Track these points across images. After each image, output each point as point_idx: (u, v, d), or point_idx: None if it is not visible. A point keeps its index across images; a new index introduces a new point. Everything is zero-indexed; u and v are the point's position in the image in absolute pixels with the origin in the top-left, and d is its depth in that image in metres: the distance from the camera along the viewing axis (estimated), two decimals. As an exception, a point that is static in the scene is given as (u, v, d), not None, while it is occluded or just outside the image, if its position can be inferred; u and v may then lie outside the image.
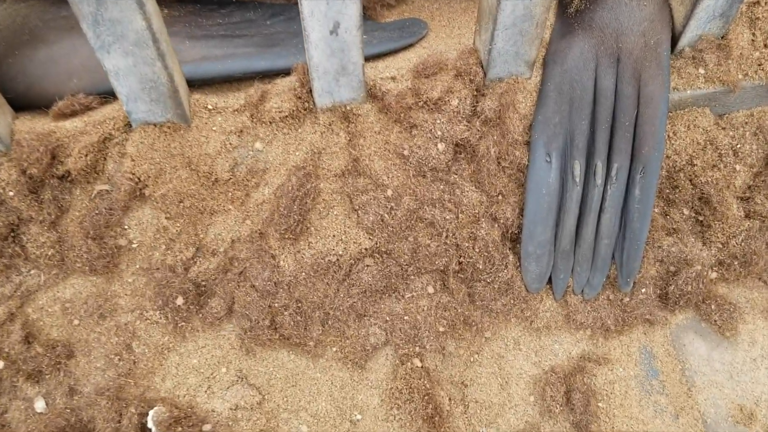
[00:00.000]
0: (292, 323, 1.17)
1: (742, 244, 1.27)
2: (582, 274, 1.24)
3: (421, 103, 1.21)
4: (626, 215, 1.22)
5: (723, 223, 1.27)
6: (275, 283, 1.18)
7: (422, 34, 1.36)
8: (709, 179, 1.25)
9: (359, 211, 1.19)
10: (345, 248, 1.19)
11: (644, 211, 1.21)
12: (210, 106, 1.23)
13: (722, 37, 1.23)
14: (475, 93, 1.22)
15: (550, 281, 1.26)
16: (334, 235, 1.19)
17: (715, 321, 1.25)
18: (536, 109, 1.21)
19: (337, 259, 1.19)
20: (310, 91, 1.18)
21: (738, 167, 1.28)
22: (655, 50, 1.18)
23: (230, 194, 1.21)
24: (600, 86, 1.18)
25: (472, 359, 1.20)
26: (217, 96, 1.24)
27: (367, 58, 1.29)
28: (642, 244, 1.22)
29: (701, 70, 1.24)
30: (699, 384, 1.21)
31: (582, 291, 1.25)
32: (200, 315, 1.19)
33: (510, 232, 1.23)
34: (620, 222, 1.23)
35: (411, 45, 1.36)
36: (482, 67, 1.23)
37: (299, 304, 1.18)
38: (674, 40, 1.23)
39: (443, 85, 1.20)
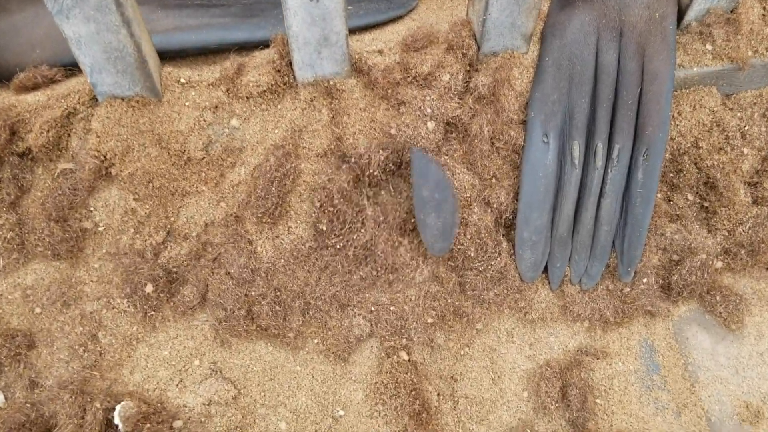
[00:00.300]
0: (270, 313, 1.10)
1: (750, 231, 1.21)
2: (580, 262, 1.17)
3: (410, 78, 1.14)
4: (628, 200, 1.15)
5: (729, 209, 1.21)
6: (252, 270, 1.11)
7: (412, 6, 1.30)
8: (715, 163, 1.20)
9: (343, 194, 1.11)
10: (327, 233, 1.11)
11: (647, 195, 1.14)
12: (183, 80, 1.16)
13: (731, 11, 1.17)
14: (468, 68, 1.15)
15: (546, 270, 1.18)
16: (315, 219, 1.11)
17: (720, 313, 1.19)
18: (533, 85, 1.14)
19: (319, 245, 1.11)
20: (290, 64, 1.11)
21: (746, 150, 1.21)
22: (660, 24, 1.11)
23: (204, 174, 1.14)
24: (601, 61, 1.11)
25: (462, 352, 1.14)
26: (191, 69, 1.18)
27: (353, 31, 1.23)
28: (644, 231, 1.16)
29: (708, 46, 1.17)
30: (703, 379, 1.15)
31: (580, 281, 1.18)
32: (171, 304, 1.12)
33: (504, 217, 1.17)
34: (621, 207, 1.17)
35: (400, 17, 1.29)
36: (476, 40, 1.15)
37: (278, 293, 1.11)
38: (680, 13, 1.17)
39: (434, 60, 1.13)
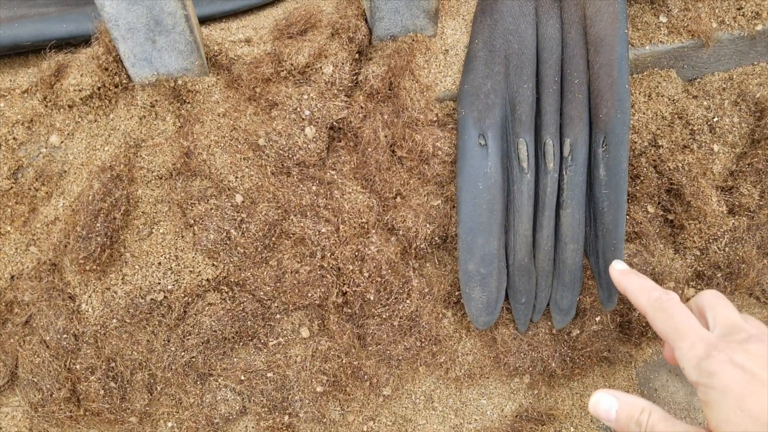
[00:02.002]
0: (102, 392, 0.85)
1: (727, 248, 1.03)
2: (541, 294, 0.94)
3: (284, 72, 0.91)
4: (594, 206, 0.93)
5: (700, 222, 1.04)
6: (75, 335, 0.86)
7: (295, -15, 1.05)
8: (680, 165, 1.02)
9: (196, 227, 0.88)
10: (176, 281, 0.87)
11: (615, 197, 0.94)
12: None
13: None
14: (357, 56, 0.92)
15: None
16: (159, 263, 0.87)
17: None
18: (462, 76, 0.91)
19: (165, 297, 0.87)
20: (121, 60, 0.85)
21: (716, 147, 1.02)
22: (602, -25, 0.89)
23: (9, 210, 0.88)
24: (542, 35, 0.89)
25: (366, 428, 0.89)
26: (2, 74, 0.93)
27: (220, 17, 1.00)
28: (621, 243, 0.95)
29: (663, 18, 0.98)
30: (677, 443, 0.91)
31: (541, 318, 0.95)
32: None
33: (414, 246, 0.93)
34: (587, 217, 0.98)
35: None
36: (366, 20, 0.91)
37: (112, 365, 0.86)
38: (626, -23, 0.94)
39: (312, 47, 0.90)
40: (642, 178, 1.02)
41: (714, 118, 1.04)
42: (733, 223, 1.04)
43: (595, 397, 0.61)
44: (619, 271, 0.77)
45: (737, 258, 1.03)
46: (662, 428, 0.56)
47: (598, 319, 0.97)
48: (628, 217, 1.02)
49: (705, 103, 1.04)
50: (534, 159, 0.94)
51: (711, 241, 1.04)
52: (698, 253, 1.05)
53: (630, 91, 0.96)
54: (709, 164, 1.04)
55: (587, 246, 0.99)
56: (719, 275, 1.04)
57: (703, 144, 1.03)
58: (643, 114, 1.00)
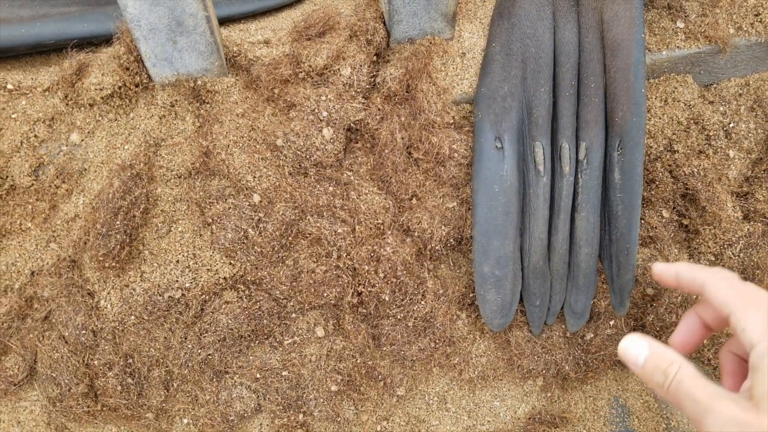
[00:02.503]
0: (119, 388, 0.86)
1: (741, 254, 1.04)
2: (555, 297, 0.94)
3: (303, 74, 0.92)
4: (608, 210, 0.93)
5: (715, 227, 1.04)
6: (93, 331, 0.88)
7: (313, -14, 1.06)
8: (695, 170, 1.02)
9: (214, 226, 0.89)
10: (194, 279, 0.88)
11: (630, 201, 0.94)
12: (11, 86, 0.95)
13: None
14: (375, 59, 0.93)
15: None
16: (177, 261, 0.88)
17: (709, 360, 1.00)
18: (479, 79, 0.92)
19: (183, 295, 0.88)
20: (142, 59, 0.87)
21: (732, 153, 1.02)
22: (620, -19, 0.90)
23: (30, 207, 0.90)
24: (559, 39, 0.90)
25: (379, 428, 0.89)
26: (24, 72, 0.94)
27: (239, 18, 1.02)
28: (634, 248, 0.95)
29: (680, 24, 0.98)
30: (690, 449, 0.92)
31: (555, 321, 0.95)
32: None
33: (429, 248, 0.94)
34: (602, 221, 0.98)
35: (299, 1, 1.06)
36: (384, 23, 0.92)
37: (129, 361, 0.88)
38: (643, -18, 0.95)
39: (331, 49, 0.90)
40: (657, 182, 1.02)
41: (730, 123, 1.04)
42: (748, 229, 1.04)
43: (626, 341, 0.59)
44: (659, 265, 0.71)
45: (752, 264, 1.03)
46: (689, 385, 0.54)
47: (612, 322, 0.98)
48: (642, 221, 1.02)
49: (721, 108, 1.04)
50: (550, 162, 0.95)
51: (726, 246, 1.04)
52: (713, 258, 1.05)
53: (646, 95, 0.96)
54: (725, 170, 1.04)
55: (601, 250, 0.99)
56: (734, 281, 1.04)
57: (719, 149, 1.04)
58: (659, 119, 1.01)
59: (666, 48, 0.99)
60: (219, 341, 0.90)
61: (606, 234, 0.97)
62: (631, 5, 0.91)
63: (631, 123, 0.91)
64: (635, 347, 0.59)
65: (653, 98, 1.01)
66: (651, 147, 1.01)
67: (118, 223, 0.86)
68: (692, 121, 1.03)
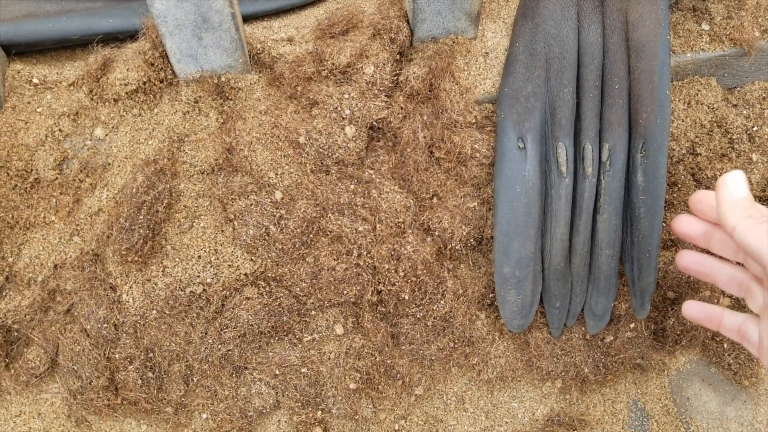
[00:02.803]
0: (139, 382, 0.87)
1: None
2: (575, 299, 0.94)
3: (326, 71, 0.92)
4: (631, 212, 0.92)
5: None
6: (115, 325, 0.88)
7: (336, -15, 1.07)
8: (718, 173, 1.02)
9: (236, 222, 0.89)
10: (216, 275, 0.88)
11: (653, 203, 0.93)
12: (36, 80, 0.95)
13: None
14: (398, 57, 0.93)
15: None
16: (199, 257, 0.89)
17: (730, 365, 0.99)
18: (502, 79, 0.92)
19: (204, 291, 0.88)
20: (167, 55, 0.87)
21: (755, 157, 1.01)
22: (646, -19, 0.89)
23: (54, 201, 0.90)
24: (584, 39, 0.89)
25: (397, 426, 0.90)
26: (49, 66, 0.95)
27: (263, 16, 1.03)
28: (655, 251, 0.95)
29: (705, 26, 0.97)
30: (710, 454, 0.92)
31: (575, 323, 0.95)
32: (11, 371, 0.91)
33: (449, 247, 0.94)
34: (624, 223, 0.97)
35: (321, -1, 1.06)
36: (408, 22, 0.92)
37: (150, 355, 0.88)
38: (669, -16, 0.94)
39: (354, 48, 0.91)
40: (679, 185, 1.02)
41: (753, 127, 1.04)
42: (771, 234, 1.03)
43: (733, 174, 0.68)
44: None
45: (774, 269, 1.02)
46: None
47: (632, 325, 0.97)
48: (665, 224, 1.02)
49: (744, 112, 1.04)
50: (573, 163, 0.95)
51: (748, 250, 1.03)
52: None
53: (670, 97, 0.96)
54: (747, 173, 1.03)
55: (623, 252, 0.99)
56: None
57: (742, 153, 1.03)
58: (682, 121, 1.00)
59: (690, 50, 0.99)
60: (239, 337, 0.90)
61: (628, 236, 0.97)
62: (657, 7, 0.90)
63: (655, 125, 0.91)
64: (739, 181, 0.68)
65: (677, 101, 1.01)
66: (674, 149, 1.00)
67: (141, 217, 0.87)
68: (715, 124, 1.02)
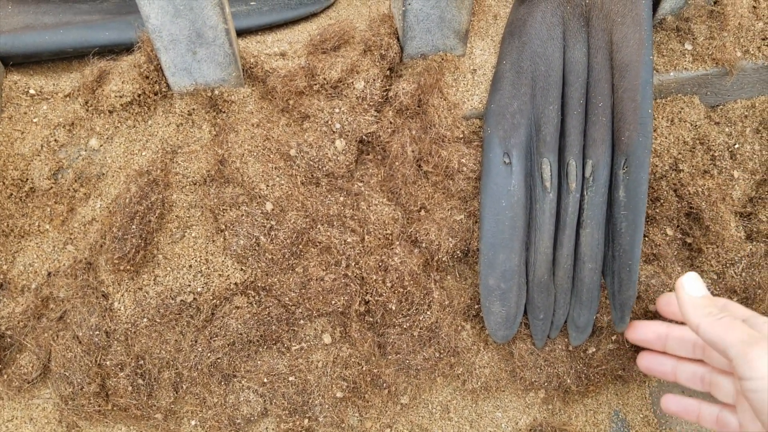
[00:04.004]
0: (130, 388, 0.88)
1: (743, 273, 1.03)
2: (559, 311, 0.95)
3: (317, 86, 0.94)
4: (612, 227, 0.95)
5: (718, 246, 1.05)
6: (106, 332, 0.90)
7: (329, 1, 1.08)
8: (700, 189, 1.03)
9: (227, 233, 0.91)
10: (206, 284, 0.90)
11: (634, 218, 0.96)
12: (33, 91, 0.97)
13: (715, 2, 1.02)
14: (388, 73, 0.96)
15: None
16: (190, 266, 0.90)
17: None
18: (489, 96, 0.94)
19: (195, 299, 0.90)
20: (161, 68, 0.89)
21: (736, 174, 1.03)
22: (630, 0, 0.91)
23: (49, 209, 0.92)
24: (569, 58, 0.92)
25: (382, 434, 0.91)
26: (46, 77, 0.97)
27: (256, 30, 1.04)
28: (636, 265, 0.97)
29: (688, 46, 0.99)
30: (689, 465, 0.94)
31: (558, 335, 0.97)
32: (4, 377, 0.90)
33: (436, 259, 0.95)
34: (606, 237, 0.99)
35: (314, 14, 1.09)
36: (398, 39, 0.94)
37: (140, 362, 0.90)
38: (654, 5, 0.97)
39: (345, 63, 0.93)
40: (662, 201, 1.04)
41: (735, 144, 1.06)
42: (751, 249, 1.06)
43: (689, 276, 0.81)
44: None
45: (753, 283, 1.05)
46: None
47: (614, 337, 0.99)
48: (647, 238, 1.04)
49: (727, 129, 1.06)
50: (557, 179, 0.97)
51: (728, 265, 1.06)
52: (715, 277, 1.06)
53: (653, 115, 0.98)
54: (729, 190, 1.06)
55: (605, 266, 1.01)
56: (735, 300, 1.05)
57: (724, 170, 1.05)
58: (666, 138, 1.03)
59: (674, 69, 1.01)
60: (228, 345, 0.92)
61: (609, 250, 0.99)
62: (641, 27, 0.93)
63: (637, 143, 0.93)
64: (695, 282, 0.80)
65: (660, 118, 1.03)
66: (657, 166, 1.03)
67: (133, 227, 0.89)
68: (698, 142, 1.05)
